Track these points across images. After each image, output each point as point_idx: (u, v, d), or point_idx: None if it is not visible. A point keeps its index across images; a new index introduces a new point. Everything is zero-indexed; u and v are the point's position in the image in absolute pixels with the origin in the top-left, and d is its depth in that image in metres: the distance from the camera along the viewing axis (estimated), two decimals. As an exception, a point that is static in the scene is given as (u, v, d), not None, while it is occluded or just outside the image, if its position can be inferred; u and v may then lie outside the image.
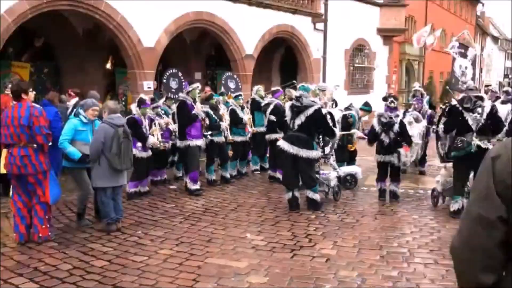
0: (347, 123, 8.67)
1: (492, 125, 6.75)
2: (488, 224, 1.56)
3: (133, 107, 8.02)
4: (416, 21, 28.00)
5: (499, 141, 6.03)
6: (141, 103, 7.97)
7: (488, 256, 1.57)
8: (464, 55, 13.61)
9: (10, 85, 10.59)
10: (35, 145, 5.49)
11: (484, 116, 6.66)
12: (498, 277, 1.59)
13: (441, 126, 7.21)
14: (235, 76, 10.71)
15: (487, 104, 6.80)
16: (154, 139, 7.96)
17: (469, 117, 6.67)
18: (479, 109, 6.66)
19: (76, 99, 8.80)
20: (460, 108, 6.75)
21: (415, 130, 9.28)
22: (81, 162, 6.15)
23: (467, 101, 6.69)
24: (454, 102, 7.12)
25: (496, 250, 1.57)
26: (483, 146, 6.54)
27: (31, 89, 5.82)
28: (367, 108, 9.19)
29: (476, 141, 6.58)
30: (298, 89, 7.93)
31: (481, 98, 6.80)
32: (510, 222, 1.55)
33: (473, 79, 13.56)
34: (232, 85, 10.42)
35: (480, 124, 6.65)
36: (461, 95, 7.26)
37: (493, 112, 6.77)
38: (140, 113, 7.88)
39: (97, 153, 5.91)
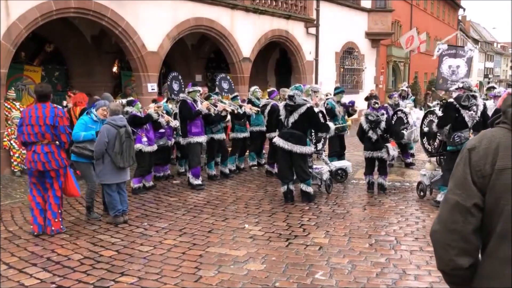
0: (327, 109, 8.89)
1: (484, 122, 6.71)
2: (465, 210, 1.57)
3: (128, 108, 8.05)
4: (402, 25, 28.01)
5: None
6: (132, 102, 8.17)
7: (464, 241, 1.58)
8: (454, 55, 13.46)
9: (22, 88, 10.66)
10: (57, 142, 5.52)
11: (479, 113, 6.66)
12: (474, 260, 1.60)
13: (435, 121, 7.17)
14: (228, 77, 10.65)
15: (480, 103, 6.79)
16: (152, 108, 8.18)
17: (466, 115, 6.63)
18: (474, 107, 6.66)
19: None
20: (457, 106, 6.72)
21: (418, 114, 9.59)
22: (90, 157, 6.16)
23: (465, 99, 6.62)
24: (450, 99, 7.07)
25: (472, 235, 1.57)
26: None
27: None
28: (337, 91, 9.69)
29: (472, 137, 6.56)
30: (291, 89, 7.91)
31: (475, 97, 6.78)
32: (486, 209, 1.56)
33: (467, 76, 13.41)
34: (225, 85, 10.34)
35: (475, 121, 6.64)
36: (455, 93, 7.24)
37: (484, 110, 6.78)
38: (136, 109, 7.97)
39: (101, 152, 5.93)
